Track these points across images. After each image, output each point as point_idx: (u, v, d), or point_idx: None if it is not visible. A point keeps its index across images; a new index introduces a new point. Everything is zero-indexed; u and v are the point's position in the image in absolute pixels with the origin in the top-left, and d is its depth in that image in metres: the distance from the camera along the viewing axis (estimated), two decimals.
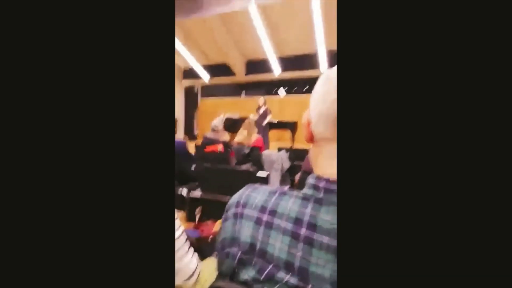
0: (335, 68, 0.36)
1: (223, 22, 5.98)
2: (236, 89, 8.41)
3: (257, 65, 7.17)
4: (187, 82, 8.36)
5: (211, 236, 0.94)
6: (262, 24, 5.54)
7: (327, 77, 0.36)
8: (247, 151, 2.50)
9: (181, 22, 5.35)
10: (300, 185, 1.23)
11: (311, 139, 0.38)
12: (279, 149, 2.47)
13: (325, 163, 0.36)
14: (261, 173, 1.87)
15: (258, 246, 0.35)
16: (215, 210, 1.56)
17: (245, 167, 2.18)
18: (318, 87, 0.37)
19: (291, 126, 5.41)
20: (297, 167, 2.10)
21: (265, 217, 0.36)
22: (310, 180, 0.36)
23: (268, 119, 5.17)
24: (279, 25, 5.87)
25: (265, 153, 2.04)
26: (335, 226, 0.31)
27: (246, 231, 0.37)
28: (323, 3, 4.64)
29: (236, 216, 0.40)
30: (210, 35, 6.38)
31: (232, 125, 5.07)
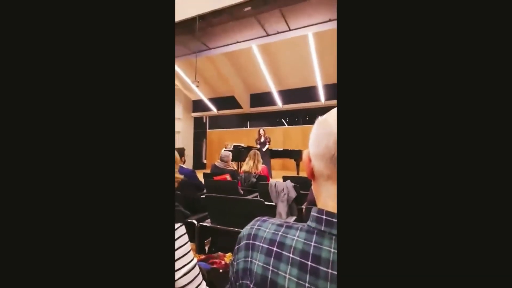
0: (327, 114, 0.39)
1: (229, 59, 6.35)
2: (242, 120, 8.62)
3: (261, 98, 7.44)
4: (197, 114, 8.65)
5: (221, 270, 0.91)
6: (264, 60, 5.87)
7: (320, 121, 0.39)
8: (254, 180, 2.50)
9: (190, 60, 5.69)
10: (306, 215, 1.21)
11: (312, 175, 0.40)
12: (284, 178, 2.46)
13: (325, 198, 0.37)
14: (269, 203, 1.85)
15: (269, 277, 0.35)
16: (224, 241, 1.52)
17: (252, 196, 2.16)
18: (313, 130, 0.40)
19: (296, 155, 5.42)
20: (303, 196, 2.06)
21: (274, 249, 0.37)
22: (313, 212, 0.37)
23: (267, 147, 5.30)
24: (280, 61, 6.19)
25: (271, 183, 2.03)
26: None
27: (257, 263, 0.37)
28: (318, 41, 4.93)
29: (248, 247, 0.40)
30: (217, 70, 6.74)
31: (239, 154, 5.13)
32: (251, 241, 0.40)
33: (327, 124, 0.37)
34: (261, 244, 0.39)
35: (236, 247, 0.43)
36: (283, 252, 0.36)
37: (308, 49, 5.18)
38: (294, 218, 1.77)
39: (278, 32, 4.70)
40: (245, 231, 0.43)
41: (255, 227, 0.42)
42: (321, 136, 0.37)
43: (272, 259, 0.36)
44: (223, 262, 0.98)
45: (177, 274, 0.60)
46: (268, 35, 4.79)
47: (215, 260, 0.98)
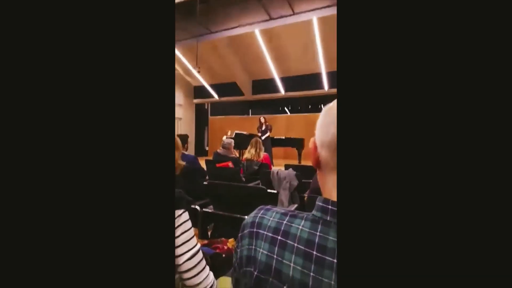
0: (334, 101, 0.37)
1: (231, 44, 6.21)
2: (244, 108, 8.55)
3: (263, 84, 7.33)
4: (198, 101, 8.59)
5: (223, 254, 0.94)
6: (266, 46, 5.74)
7: (328, 109, 0.38)
8: (256, 167, 2.51)
9: (192, 45, 5.57)
10: (309, 204, 1.22)
11: (317, 164, 0.39)
12: (286, 166, 2.47)
13: (331, 188, 0.37)
14: (271, 190, 1.87)
15: (273, 265, 0.36)
16: (226, 227, 1.55)
17: (254, 184, 2.18)
18: (320, 118, 0.39)
19: (298, 143, 5.41)
20: (306, 185, 2.08)
21: (279, 238, 0.37)
22: (319, 202, 0.37)
23: (267, 135, 5.28)
24: (283, 47, 6.04)
25: (273, 171, 2.04)
26: None
27: (261, 251, 0.38)
28: (323, 26, 4.79)
29: (252, 235, 0.40)
30: (219, 56, 6.61)
31: (242, 142, 5.13)
32: (255, 229, 0.40)
33: (335, 112, 0.36)
34: (265, 233, 0.39)
35: (239, 234, 0.43)
36: (288, 241, 0.36)
37: (312, 35, 5.04)
38: (296, 206, 1.79)
39: (282, 16, 4.55)
40: (249, 219, 0.43)
41: (259, 215, 0.42)
42: (329, 125, 0.36)
43: (276, 247, 0.37)
44: (225, 247, 1.00)
45: (181, 259, 0.62)
46: (271, 19, 4.64)
47: (217, 245, 1.00)
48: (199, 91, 8.37)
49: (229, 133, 6.54)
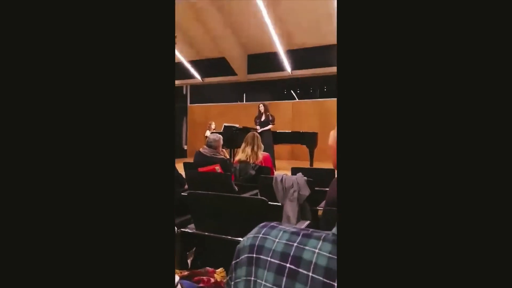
0: None
1: (220, 6, 6.19)
2: (236, 92, 8.57)
3: (263, 60, 7.34)
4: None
5: None
6: (267, 8, 5.72)
7: None
8: (253, 172, 2.52)
9: None
10: (324, 220, 1.23)
11: None
12: (294, 170, 2.48)
13: None
14: (273, 203, 1.88)
15: None
16: (213, 252, 1.56)
17: (250, 194, 2.19)
18: None
19: (309, 139, 5.43)
20: (319, 195, 2.08)
21: (287, 266, 0.37)
22: None
23: (268, 127, 5.28)
24: (289, 10, 6.05)
25: (277, 176, 2.05)
26: None
27: (264, 283, 0.38)
28: None
29: (251, 263, 0.41)
30: (203, 23, 6.60)
31: (233, 138, 5.13)
32: (255, 255, 0.41)
33: None
34: (269, 259, 0.39)
35: (233, 262, 0.44)
36: (300, 270, 0.36)
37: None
38: (307, 223, 1.80)
39: None
40: (246, 241, 0.43)
41: (260, 235, 0.42)
42: None
43: (284, 279, 0.37)
44: (212, 280, 1.00)
45: None
46: None
47: (201, 277, 1.00)
48: (176, 70, 8.36)
49: (213, 126, 6.55)
